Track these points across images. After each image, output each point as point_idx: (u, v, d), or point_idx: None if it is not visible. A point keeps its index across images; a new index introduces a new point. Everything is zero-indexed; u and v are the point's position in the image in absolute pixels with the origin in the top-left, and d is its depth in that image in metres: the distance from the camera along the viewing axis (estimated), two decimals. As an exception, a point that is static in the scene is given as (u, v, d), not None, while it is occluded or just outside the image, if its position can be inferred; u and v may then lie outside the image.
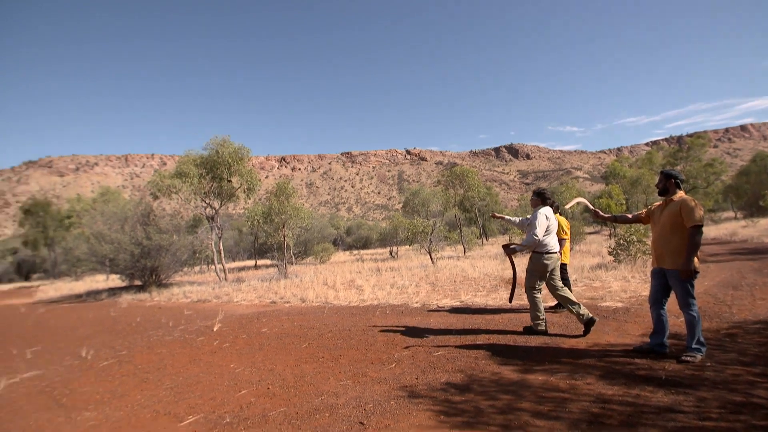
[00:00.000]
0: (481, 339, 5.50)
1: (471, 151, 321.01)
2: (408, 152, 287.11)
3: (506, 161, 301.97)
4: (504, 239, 37.59)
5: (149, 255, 16.13)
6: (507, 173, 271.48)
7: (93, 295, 17.18)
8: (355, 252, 43.92)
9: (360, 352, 5.33)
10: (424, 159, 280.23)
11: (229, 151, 16.57)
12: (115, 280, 23.54)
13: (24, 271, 43.86)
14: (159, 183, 16.08)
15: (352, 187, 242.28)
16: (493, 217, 6.47)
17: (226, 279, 17.81)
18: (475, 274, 13.09)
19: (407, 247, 33.24)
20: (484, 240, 39.82)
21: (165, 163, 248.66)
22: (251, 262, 35.53)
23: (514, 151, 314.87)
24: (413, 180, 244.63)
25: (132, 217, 16.88)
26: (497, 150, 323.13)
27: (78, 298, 17.11)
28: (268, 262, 32.27)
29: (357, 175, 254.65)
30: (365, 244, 53.07)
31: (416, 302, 9.05)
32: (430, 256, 20.07)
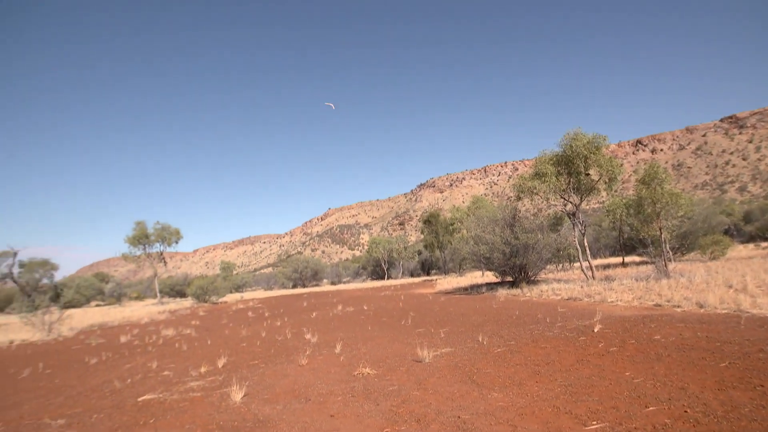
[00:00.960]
0: None
1: None
2: None
3: None
4: None
5: (518, 253, 17.52)
6: None
7: (475, 288, 20.26)
8: (765, 245, 32.46)
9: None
10: None
11: (583, 142, 15.81)
12: (489, 276, 27.07)
13: (426, 267, 57.57)
14: (521, 185, 17.26)
15: (744, 159, 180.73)
16: None
17: (593, 277, 16.98)
18: None
19: None
20: None
21: (517, 169, 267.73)
22: (616, 259, 32.50)
23: None
24: None
25: (501, 219, 18.87)
26: None
27: (464, 290, 20.59)
28: (636, 258, 28.63)
29: (750, 142, 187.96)
30: (780, 232, 38.38)
31: None
32: None
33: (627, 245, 28.99)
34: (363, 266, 62.55)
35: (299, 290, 45.01)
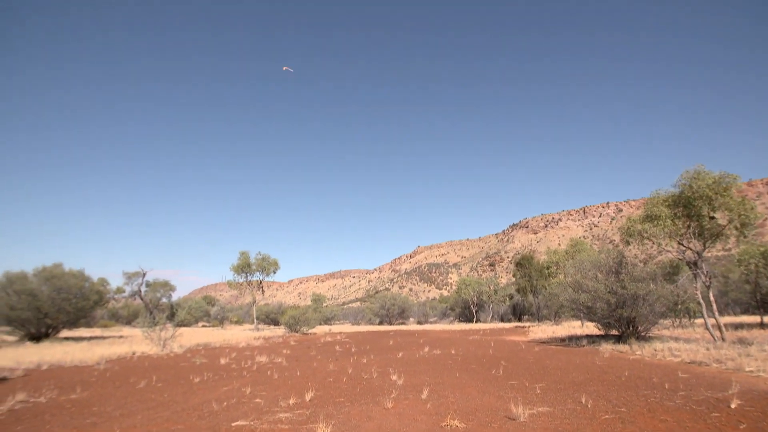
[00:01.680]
0: None
1: None
2: None
3: None
4: None
5: (625, 304, 15.70)
6: None
7: (574, 340, 18.44)
8: None
9: None
10: None
11: (707, 182, 13.99)
12: (590, 328, 24.51)
13: (517, 312, 54.19)
14: (629, 228, 15.67)
15: None
16: None
17: (722, 338, 14.50)
18: None
19: None
20: None
21: (621, 210, 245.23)
22: (751, 319, 27.62)
23: None
24: None
25: (605, 265, 17.20)
26: None
27: (561, 341, 18.86)
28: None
29: None
30: None
31: None
32: None
33: (766, 302, 24.48)
34: (451, 307, 60.96)
35: (385, 327, 45.05)
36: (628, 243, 16.05)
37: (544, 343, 18.85)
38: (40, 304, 22.46)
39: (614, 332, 17.88)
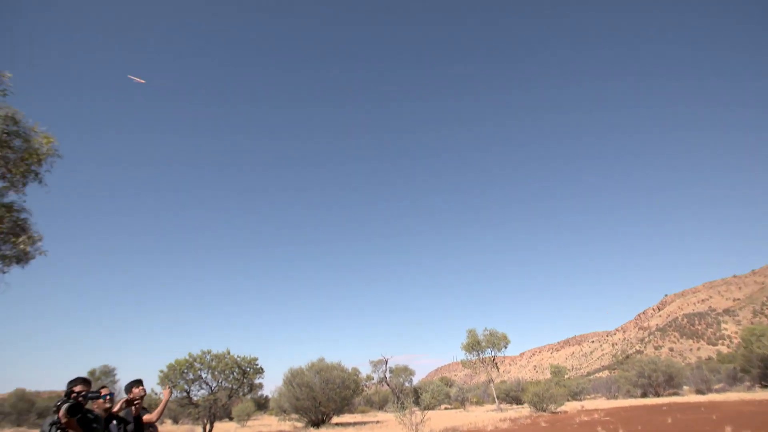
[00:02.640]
0: None
1: None
2: None
3: None
4: None
5: None
6: None
7: None
8: None
9: None
10: None
11: None
12: None
13: None
14: None
15: None
16: None
17: None
18: None
19: None
20: None
21: None
22: None
23: None
24: None
25: None
26: None
27: None
28: None
29: None
30: None
31: None
32: None
33: None
34: (742, 368, 45.93)
35: (653, 400, 36.59)
36: None
37: None
38: (315, 395, 26.61)
39: None
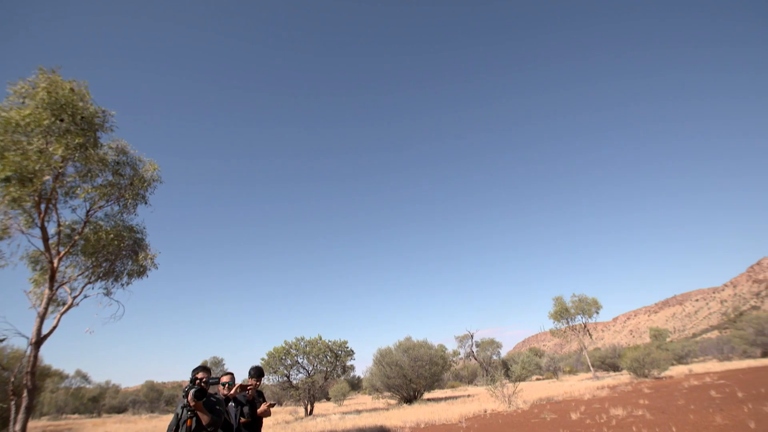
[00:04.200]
0: None
1: None
2: None
3: None
4: None
5: None
6: None
7: None
8: None
9: None
10: None
11: None
12: None
13: None
14: None
15: None
16: None
17: None
18: None
19: None
20: None
21: None
22: None
23: None
24: None
25: None
26: None
27: None
28: None
29: None
30: None
31: None
32: None
33: None
34: None
35: (777, 359, 32.91)
36: None
37: None
38: (405, 372, 27.51)
39: None
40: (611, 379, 32.64)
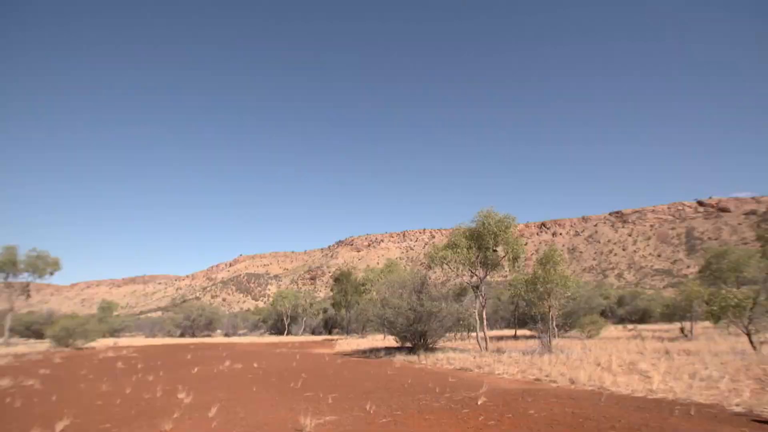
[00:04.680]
0: None
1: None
2: (701, 203, 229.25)
3: None
4: None
5: (421, 320, 17.74)
6: None
7: (374, 352, 19.87)
8: (630, 327, 37.01)
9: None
10: (725, 210, 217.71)
11: (495, 221, 17.14)
12: (390, 341, 26.84)
13: (329, 326, 55.74)
14: (433, 254, 17.92)
15: (623, 250, 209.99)
16: None
17: (486, 348, 17.66)
18: None
19: (708, 324, 25.98)
20: None
21: (434, 236, 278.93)
22: (510, 332, 34.45)
23: None
24: (709, 237, 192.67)
25: (410, 285, 19.17)
26: None
27: (363, 353, 20.08)
28: (527, 332, 30.59)
29: (629, 236, 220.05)
30: (642, 317, 44.44)
31: (736, 404, 6.69)
32: (750, 339, 14.82)
33: (521, 319, 30.95)
34: (263, 319, 58.99)
35: (187, 340, 40.73)
36: (431, 267, 18.38)
37: (347, 355, 19.72)
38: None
39: (408, 344, 19.90)
40: (26, 346, 29.26)
